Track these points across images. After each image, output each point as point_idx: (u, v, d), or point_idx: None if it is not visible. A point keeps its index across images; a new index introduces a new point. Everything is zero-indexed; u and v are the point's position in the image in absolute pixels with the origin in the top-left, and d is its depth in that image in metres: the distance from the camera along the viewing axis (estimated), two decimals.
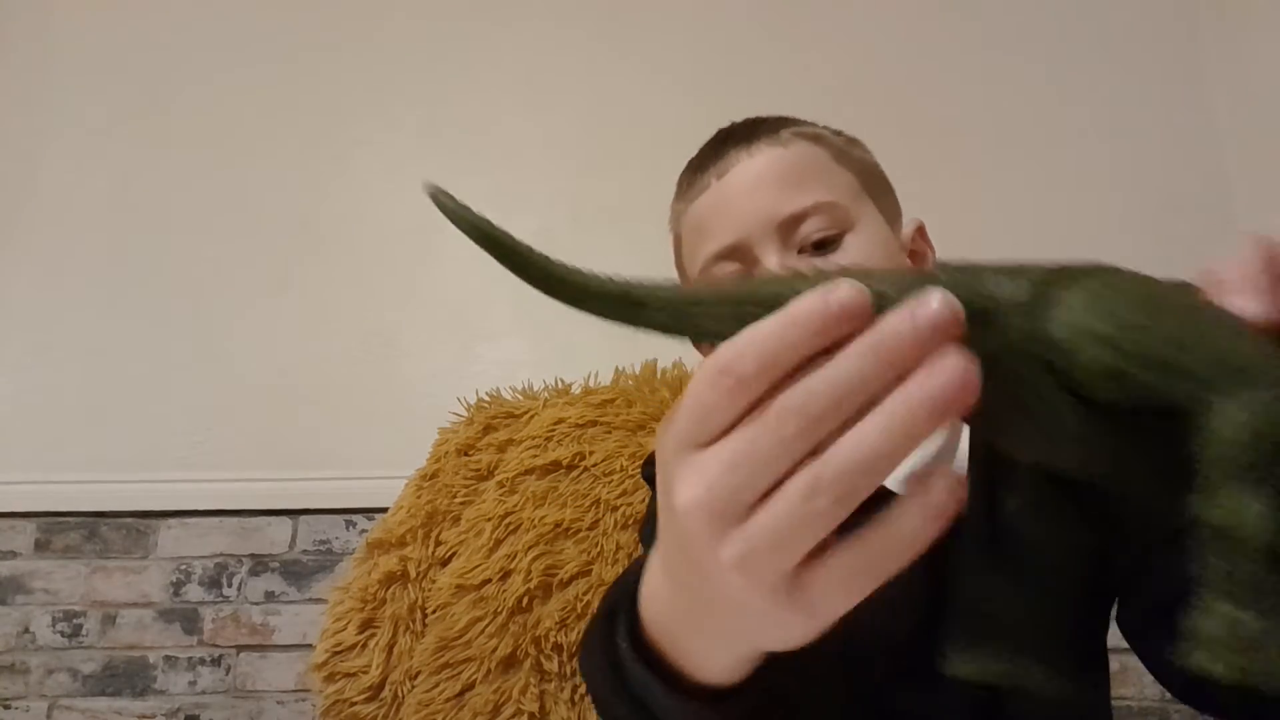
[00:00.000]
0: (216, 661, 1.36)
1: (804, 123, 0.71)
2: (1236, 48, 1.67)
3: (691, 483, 0.27)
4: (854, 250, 0.64)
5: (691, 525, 0.27)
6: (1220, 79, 1.67)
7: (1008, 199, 1.57)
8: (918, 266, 0.29)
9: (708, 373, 0.27)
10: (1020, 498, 0.34)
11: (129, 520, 1.40)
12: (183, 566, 1.39)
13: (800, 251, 0.64)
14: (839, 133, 0.72)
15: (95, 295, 1.52)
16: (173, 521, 1.41)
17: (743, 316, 0.29)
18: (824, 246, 0.64)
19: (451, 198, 0.33)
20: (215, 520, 1.40)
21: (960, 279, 0.29)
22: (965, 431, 0.66)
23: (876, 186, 0.71)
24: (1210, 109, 1.66)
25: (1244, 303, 0.27)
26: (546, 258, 0.32)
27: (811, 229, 0.64)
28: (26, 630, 1.36)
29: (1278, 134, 1.60)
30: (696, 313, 0.32)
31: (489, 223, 0.33)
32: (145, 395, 1.47)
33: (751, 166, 0.67)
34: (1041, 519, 0.34)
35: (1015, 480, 0.35)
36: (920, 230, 0.73)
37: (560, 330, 1.54)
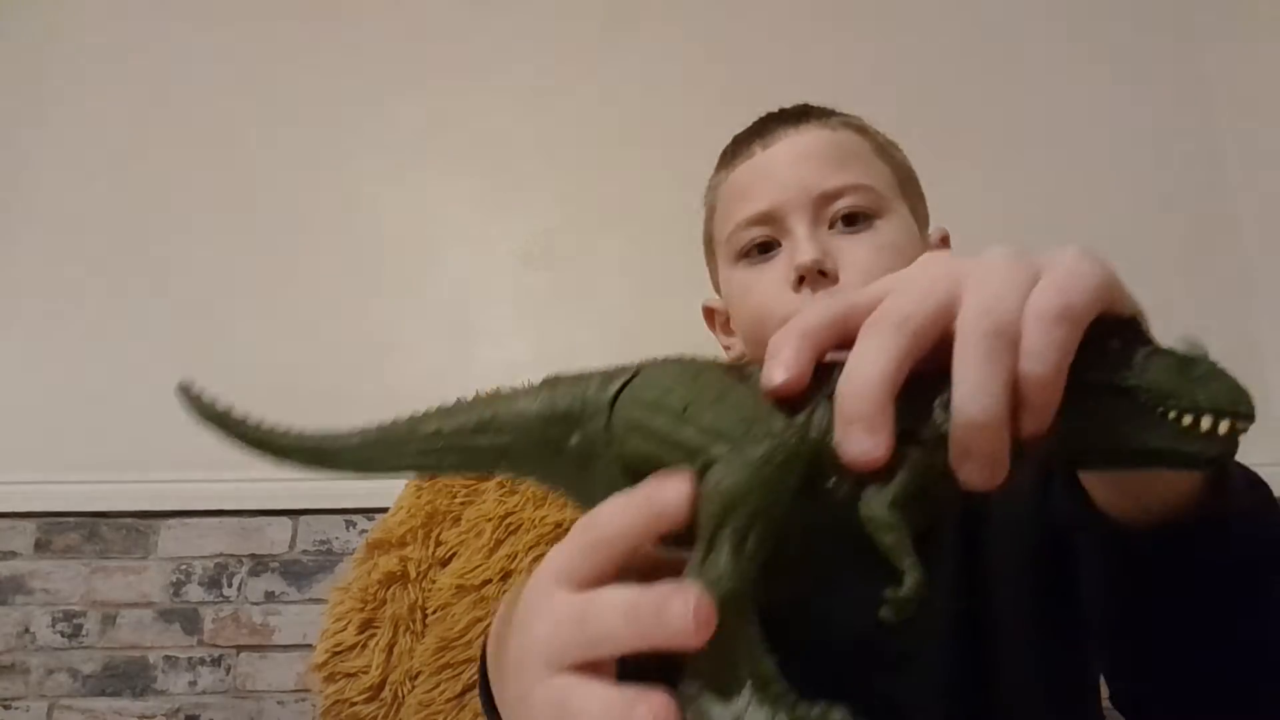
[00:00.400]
0: (216, 661, 1.36)
1: (850, 115, 0.73)
2: (1237, 48, 1.67)
3: (545, 619, 0.30)
4: (886, 232, 0.66)
5: (528, 657, 0.30)
6: (1221, 79, 1.67)
7: (1007, 199, 1.57)
8: (552, 377, 0.34)
9: (576, 530, 0.31)
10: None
11: (129, 520, 1.40)
12: (183, 566, 1.39)
13: (830, 226, 0.66)
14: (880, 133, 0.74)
15: (95, 295, 1.52)
16: (173, 521, 1.40)
17: (433, 452, 0.35)
18: (854, 221, 0.66)
19: (196, 394, 0.39)
20: (215, 520, 1.40)
21: (566, 387, 0.34)
22: None
23: (911, 188, 0.72)
24: (1211, 109, 1.66)
25: (767, 372, 0.30)
26: (259, 427, 0.38)
27: (846, 203, 0.65)
28: (26, 630, 1.36)
29: (1278, 134, 1.60)
30: (385, 458, 0.37)
31: (218, 409, 0.38)
32: (145, 395, 1.46)
33: (798, 140, 0.69)
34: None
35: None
36: (944, 239, 0.75)
37: (560, 330, 1.54)
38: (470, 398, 0.36)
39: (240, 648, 1.37)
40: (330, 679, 1.01)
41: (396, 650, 1.00)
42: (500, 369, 1.42)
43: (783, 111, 0.74)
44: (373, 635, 1.02)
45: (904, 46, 1.65)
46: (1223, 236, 1.61)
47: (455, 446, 0.36)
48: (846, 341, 0.29)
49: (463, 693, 0.96)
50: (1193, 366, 0.30)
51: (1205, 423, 0.29)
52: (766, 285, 0.66)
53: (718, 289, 0.78)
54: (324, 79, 1.63)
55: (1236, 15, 1.67)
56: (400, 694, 0.98)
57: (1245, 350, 1.55)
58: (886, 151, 0.72)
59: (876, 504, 0.29)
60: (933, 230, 0.74)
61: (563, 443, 0.34)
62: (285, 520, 1.41)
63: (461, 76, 1.64)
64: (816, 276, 0.63)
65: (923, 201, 0.74)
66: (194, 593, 1.38)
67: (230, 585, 1.39)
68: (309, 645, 1.26)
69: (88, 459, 1.43)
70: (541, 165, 1.60)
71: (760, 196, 0.67)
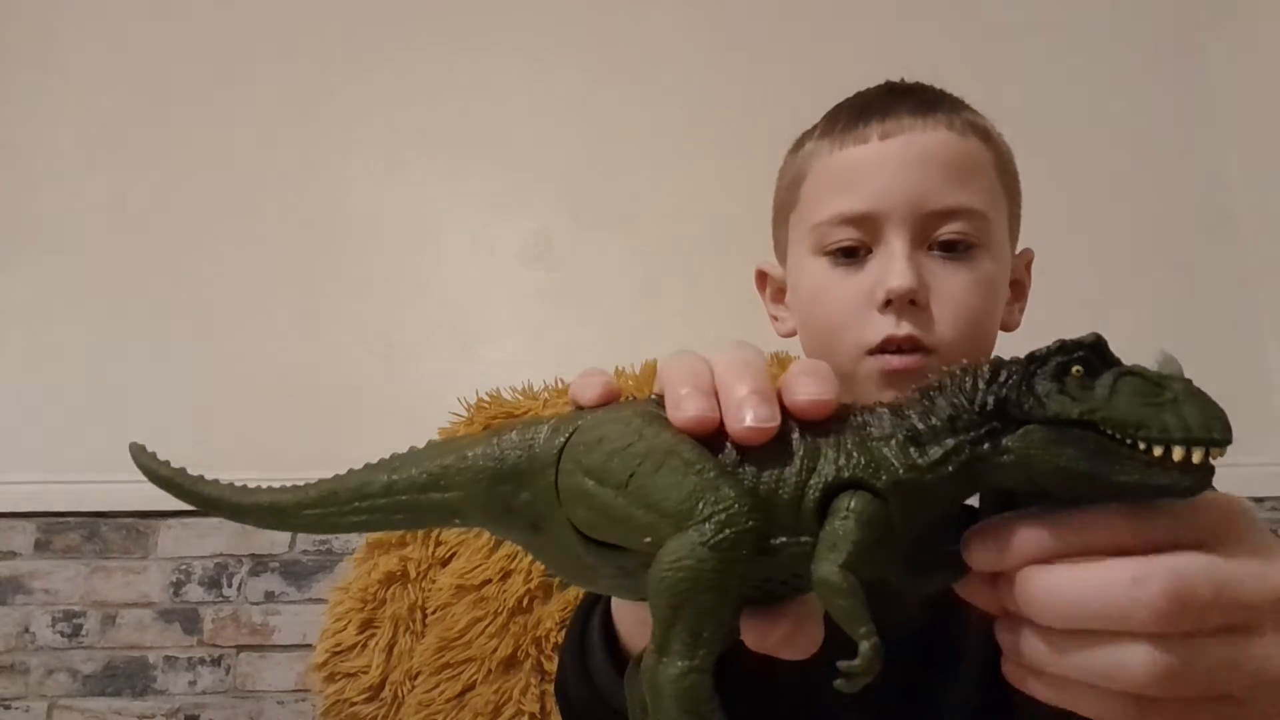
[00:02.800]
0: (216, 661, 1.36)
1: (977, 114, 0.67)
2: (1237, 48, 1.67)
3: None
4: (984, 266, 0.62)
5: None
6: (1221, 78, 1.67)
7: None
8: (499, 428, 0.34)
9: None
10: None
11: (129, 520, 1.40)
12: (183, 566, 1.39)
13: (929, 248, 0.61)
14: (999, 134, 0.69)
15: (95, 295, 1.52)
16: (173, 521, 1.40)
17: (380, 510, 0.34)
18: (953, 249, 0.61)
19: (148, 456, 0.39)
20: (215, 520, 1.40)
21: (514, 440, 0.33)
22: None
23: (1015, 206, 0.68)
24: (1211, 109, 1.66)
25: (677, 417, 0.31)
26: (214, 487, 0.37)
27: (952, 229, 0.60)
28: (26, 630, 1.36)
29: (1278, 134, 1.60)
30: (335, 518, 0.35)
31: (176, 473, 0.38)
32: (145, 395, 1.47)
33: (922, 140, 0.62)
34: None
35: None
36: (1029, 263, 0.70)
37: (560, 330, 1.54)
38: (422, 447, 0.35)
39: (240, 648, 1.37)
40: (330, 679, 1.01)
41: (396, 650, 1.00)
42: (500, 369, 1.42)
43: (910, 88, 0.67)
44: (373, 635, 1.02)
45: (902, 47, 1.65)
46: (1223, 236, 1.61)
47: (405, 505, 0.35)
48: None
49: (463, 692, 0.96)
50: (1162, 389, 0.28)
51: (1177, 453, 0.27)
52: (849, 296, 0.61)
53: (779, 255, 0.72)
54: (324, 79, 1.63)
55: (1237, 15, 1.67)
56: (400, 694, 0.98)
57: (1245, 350, 1.55)
58: (1004, 166, 0.66)
59: (827, 566, 0.28)
60: (1020, 251, 0.69)
61: (512, 500, 0.33)
62: None
63: (461, 76, 1.64)
64: (906, 304, 0.59)
65: (1019, 218, 0.68)
66: (194, 593, 1.38)
67: (230, 585, 1.39)
68: (309, 645, 1.26)
69: (88, 459, 1.43)
70: (541, 165, 1.60)
71: (864, 194, 0.61)
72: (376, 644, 1.01)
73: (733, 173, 1.38)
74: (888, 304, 0.59)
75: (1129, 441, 0.28)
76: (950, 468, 0.30)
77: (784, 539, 0.29)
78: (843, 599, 0.28)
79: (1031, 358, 0.30)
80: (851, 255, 0.62)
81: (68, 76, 1.62)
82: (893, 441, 0.31)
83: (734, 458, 0.31)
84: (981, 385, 0.30)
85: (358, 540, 1.36)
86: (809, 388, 0.31)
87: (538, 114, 1.63)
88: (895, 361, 0.59)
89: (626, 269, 1.55)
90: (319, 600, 1.33)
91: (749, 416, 0.30)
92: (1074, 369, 0.29)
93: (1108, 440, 0.28)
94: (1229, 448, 0.28)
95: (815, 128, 0.69)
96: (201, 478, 0.37)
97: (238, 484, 0.37)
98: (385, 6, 1.67)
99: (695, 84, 1.62)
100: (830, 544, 0.28)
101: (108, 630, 1.36)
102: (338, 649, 1.02)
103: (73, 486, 1.40)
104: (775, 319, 0.73)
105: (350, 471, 0.35)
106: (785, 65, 1.61)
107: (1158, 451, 0.28)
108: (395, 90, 1.63)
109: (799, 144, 0.70)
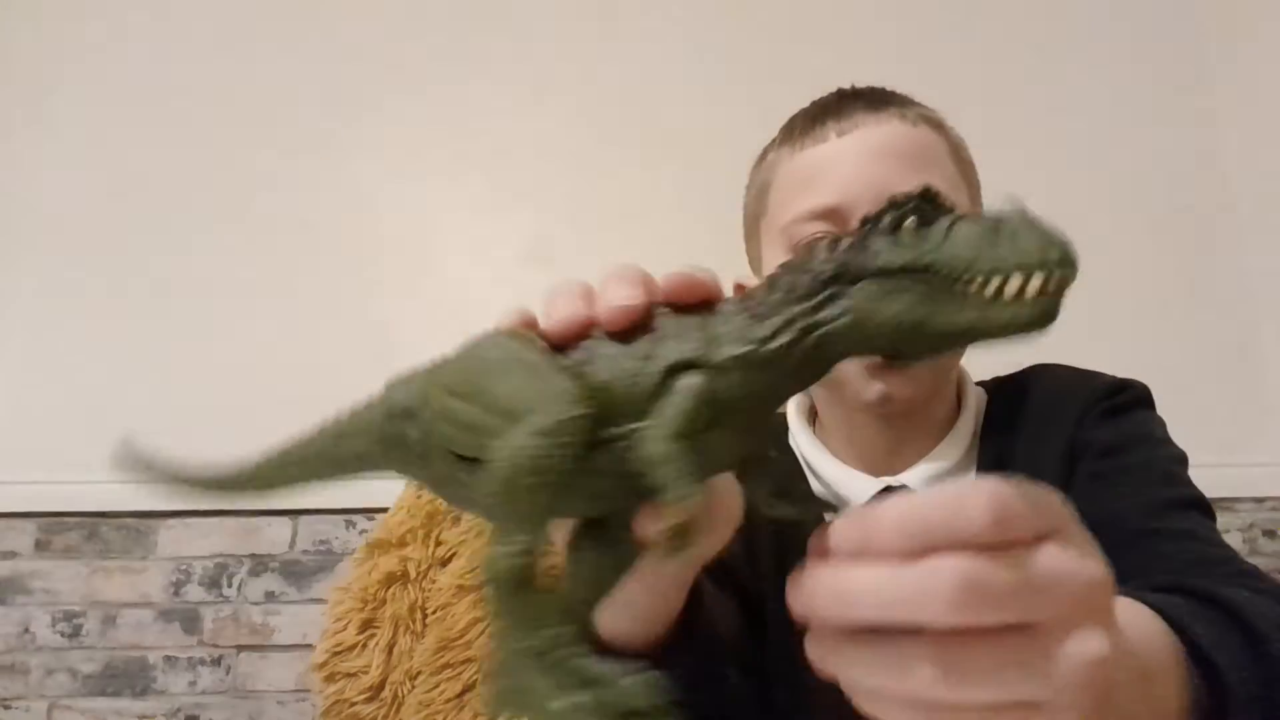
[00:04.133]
0: (216, 661, 1.36)
1: (927, 107, 0.70)
2: (1237, 48, 1.67)
3: None
4: None
5: None
6: (1221, 78, 1.67)
7: (1006, 199, 1.56)
8: (397, 376, 0.36)
9: None
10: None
11: (129, 520, 1.40)
12: (183, 566, 1.39)
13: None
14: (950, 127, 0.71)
15: (95, 295, 1.52)
16: (173, 521, 1.40)
17: (307, 462, 0.38)
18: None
19: (138, 456, 0.41)
20: (215, 520, 1.40)
21: (404, 382, 0.35)
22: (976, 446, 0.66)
23: (975, 192, 0.70)
24: (1211, 108, 1.66)
25: (545, 323, 0.33)
26: (183, 469, 0.41)
27: None
28: (26, 630, 1.36)
29: (1278, 134, 1.60)
30: (276, 476, 0.39)
31: (176, 472, 0.41)
32: (145, 395, 1.47)
33: (877, 133, 0.64)
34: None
35: None
36: None
37: None
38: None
39: (240, 648, 1.37)
40: (330, 679, 1.01)
41: (396, 650, 1.00)
42: None
43: (859, 92, 0.69)
44: (373, 635, 1.02)
45: (900, 47, 1.65)
46: (1223, 236, 1.61)
47: (325, 454, 0.37)
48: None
49: (463, 692, 0.96)
50: (999, 225, 0.27)
51: (1013, 285, 0.25)
52: None
53: (754, 269, 0.73)
54: (323, 79, 1.63)
55: (1237, 15, 1.67)
56: (400, 694, 0.98)
57: (1245, 350, 1.55)
58: (958, 153, 0.69)
59: (653, 439, 0.28)
60: None
61: (405, 437, 0.34)
62: (285, 520, 1.41)
63: (461, 77, 1.64)
64: None
65: (980, 203, 0.71)
66: (194, 593, 1.38)
67: (230, 585, 1.39)
68: (309, 645, 1.26)
69: (88, 459, 1.42)
70: (541, 165, 1.60)
71: (828, 189, 0.63)
72: (377, 644, 1.01)
73: (733, 173, 1.38)
74: None
75: (964, 281, 0.26)
76: (788, 336, 0.29)
77: (629, 426, 0.29)
78: (665, 464, 0.27)
79: (865, 219, 0.29)
80: None
81: (68, 76, 1.62)
82: (735, 320, 0.30)
83: (584, 356, 0.31)
84: (820, 252, 0.30)
85: (358, 540, 1.36)
86: (618, 291, 0.32)
87: (538, 114, 1.63)
88: None
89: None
90: (319, 600, 1.33)
91: (611, 298, 0.32)
92: (907, 221, 0.28)
93: (942, 282, 0.27)
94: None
95: (775, 139, 0.71)
96: (172, 461, 0.41)
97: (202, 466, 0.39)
98: (385, 8, 1.67)
99: (696, 84, 1.62)
100: (659, 419, 0.28)
101: (108, 630, 1.36)
102: (338, 649, 1.02)
103: (73, 486, 1.40)
104: None
105: (292, 436, 0.39)
106: (785, 67, 1.61)
107: (994, 286, 0.26)
108: (395, 91, 1.63)
109: (761, 157, 0.73)
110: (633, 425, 0.29)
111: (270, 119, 1.61)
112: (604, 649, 0.43)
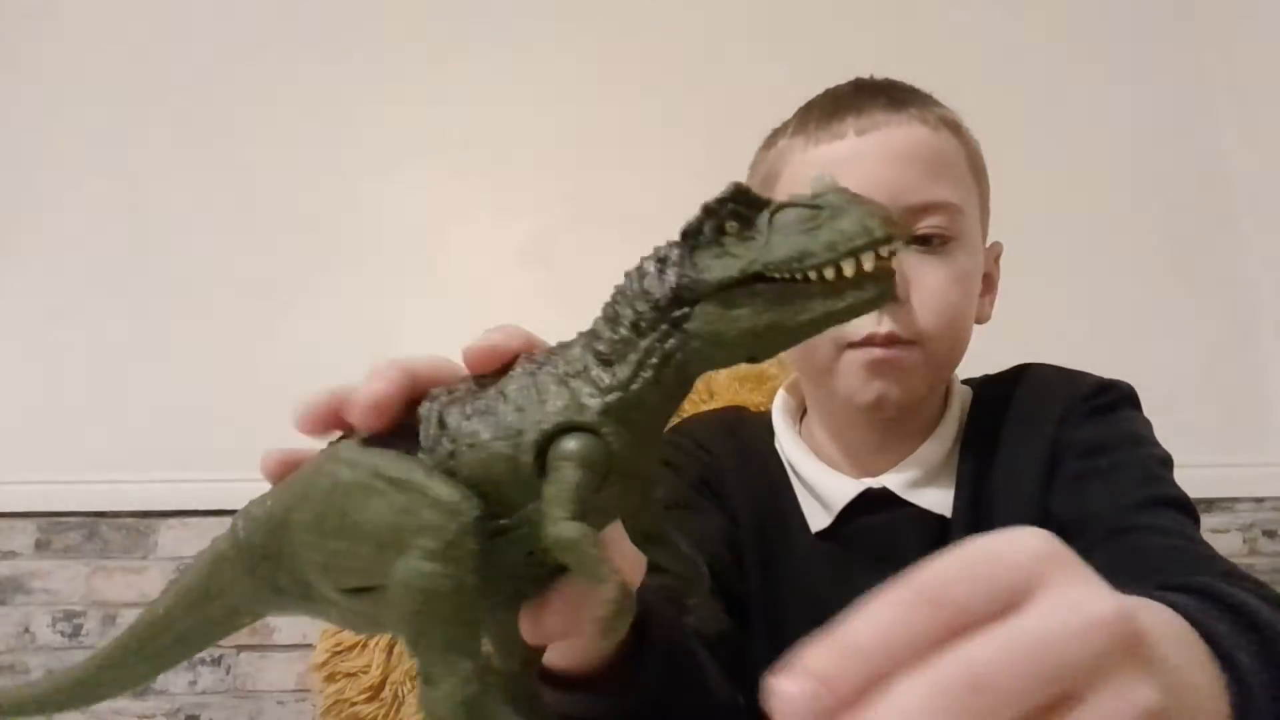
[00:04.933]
0: (216, 661, 1.36)
1: (946, 108, 0.68)
2: (1237, 47, 1.67)
3: None
4: (960, 260, 0.63)
5: None
6: (1221, 78, 1.67)
7: (1006, 199, 1.56)
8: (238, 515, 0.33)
9: None
10: None
11: (129, 520, 1.40)
12: (183, 566, 1.39)
13: (907, 242, 0.61)
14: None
15: (95, 295, 1.52)
16: (173, 521, 1.40)
17: (178, 637, 0.33)
18: (929, 243, 0.62)
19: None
20: (215, 520, 1.40)
21: (244, 518, 0.32)
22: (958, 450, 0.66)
23: (985, 199, 0.69)
24: (1211, 108, 1.66)
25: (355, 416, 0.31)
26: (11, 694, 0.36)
27: (930, 223, 0.61)
28: (26, 630, 1.36)
29: (1278, 133, 1.60)
30: (137, 664, 0.35)
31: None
32: (145, 395, 1.47)
33: (898, 135, 0.63)
34: None
35: None
36: (998, 256, 0.72)
37: (560, 330, 1.54)
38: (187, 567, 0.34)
39: (240, 647, 1.37)
40: (330, 679, 1.00)
41: (396, 650, 1.00)
42: None
43: (879, 86, 0.67)
44: (373, 634, 1.02)
45: (899, 46, 1.65)
46: (1223, 235, 1.61)
47: (192, 628, 0.33)
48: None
49: None
50: (818, 211, 0.26)
51: (848, 268, 0.25)
52: None
53: None
54: (324, 78, 1.63)
55: (1237, 15, 1.67)
56: (400, 694, 0.98)
57: (1245, 350, 1.55)
58: (975, 161, 0.68)
59: (554, 522, 0.26)
60: (990, 244, 0.71)
61: (275, 580, 0.31)
62: None
63: (462, 76, 1.64)
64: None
65: (989, 211, 0.70)
66: None
67: None
68: (309, 645, 1.26)
69: (88, 459, 1.43)
70: (541, 165, 1.60)
71: None
72: (377, 643, 1.01)
73: (734, 172, 1.38)
74: None
75: (800, 277, 0.26)
76: (650, 372, 0.28)
77: (519, 512, 0.28)
78: (575, 552, 0.26)
79: (685, 233, 0.29)
80: None
81: (69, 76, 1.62)
82: (588, 370, 0.29)
83: (448, 444, 0.28)
84: (651, 278, 0.29)
85: None
86: (369, 389, 0.31)
87: (538, 114, 1.63)
88: (879, 352, 0.60)
89: (627, 268, 1.54)
90: None
91: (360, 397, 0.30)
92: (727, 225, 0.28)
93: (781, 284, 0.27)
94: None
95: (787, 125, 0.69)
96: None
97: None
98: (385, 7, 1.67)
99: (696, 83, 1.62)
100: (553, 499, 0.26)
101: (108, 630, 1.36)
102: (338, 648, 1.02)
103: (73, 486, 1.40)
104: None
105: (127, 628, 0.34)
106: (786, 64, 1.61)
107: (829, 275, 0.26)
108: (396, 91, 1.63)
109: (770, 141, 0.70)
110: (526, 508, 0.28)
111: (270, 119, 1.61)
112: (550, 677, 0.42)
